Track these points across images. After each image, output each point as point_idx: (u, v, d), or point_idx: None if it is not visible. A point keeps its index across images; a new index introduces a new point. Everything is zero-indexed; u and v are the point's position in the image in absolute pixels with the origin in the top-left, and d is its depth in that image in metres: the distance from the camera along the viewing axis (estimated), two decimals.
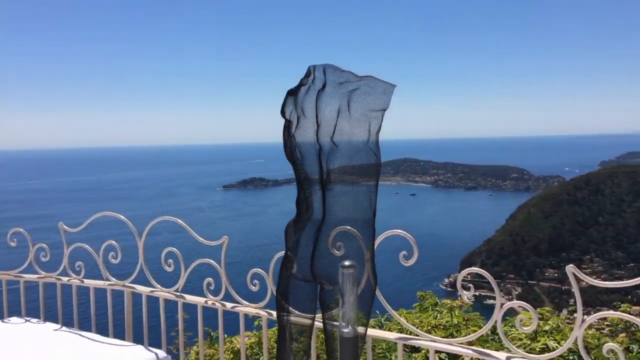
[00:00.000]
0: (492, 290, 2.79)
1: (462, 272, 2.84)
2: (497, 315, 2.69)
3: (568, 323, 4.61)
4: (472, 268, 2.87)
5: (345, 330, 2.75)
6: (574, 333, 2.53)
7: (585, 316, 2.57)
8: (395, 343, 3.03)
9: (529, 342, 4.08)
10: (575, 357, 3.94)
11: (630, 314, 3.03)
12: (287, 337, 2.39)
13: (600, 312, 2.69)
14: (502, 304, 2.72)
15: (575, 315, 2.58)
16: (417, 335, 2.92)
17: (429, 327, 4.73)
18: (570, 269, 2.45)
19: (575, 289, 2.53)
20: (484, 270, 2.85)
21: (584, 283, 2.53)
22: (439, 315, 4.87)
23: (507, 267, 77.50)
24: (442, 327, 4.71)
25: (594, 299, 48.72)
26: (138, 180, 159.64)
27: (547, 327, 4.17)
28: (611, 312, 2.85)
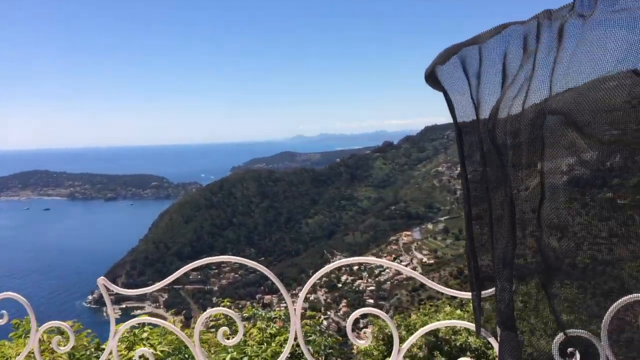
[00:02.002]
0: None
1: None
2: (34, 341, 2.70)
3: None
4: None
5: None
6: (109, 344, 2.67)
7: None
8: None
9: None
10: None
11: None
12: None
13: (134, 319, 2.97)
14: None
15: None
16: None
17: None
18: (100, 281, 2.60)
19: (106, 298, 2.67)
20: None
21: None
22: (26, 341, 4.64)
23: (153, 275, 77.83)
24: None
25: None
26: None
27: (144, 335, 4.39)
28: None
